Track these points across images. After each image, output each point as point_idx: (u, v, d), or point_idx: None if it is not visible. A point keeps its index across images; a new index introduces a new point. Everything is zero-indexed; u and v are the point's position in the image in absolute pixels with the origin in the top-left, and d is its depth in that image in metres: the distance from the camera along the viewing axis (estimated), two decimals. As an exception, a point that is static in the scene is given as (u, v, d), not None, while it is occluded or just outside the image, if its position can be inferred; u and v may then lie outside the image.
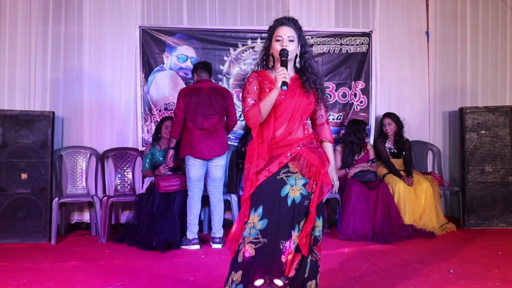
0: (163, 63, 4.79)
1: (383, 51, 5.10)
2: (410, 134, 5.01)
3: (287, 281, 2.16)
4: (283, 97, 2.19)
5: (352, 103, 5.02)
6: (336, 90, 4.98)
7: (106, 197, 4.40)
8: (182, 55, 4.82)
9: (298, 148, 2.20)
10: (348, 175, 4.48)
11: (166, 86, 4.80)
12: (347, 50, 4.99)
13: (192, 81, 4.82)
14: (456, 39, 5.24)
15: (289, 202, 2.16)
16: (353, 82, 5.01)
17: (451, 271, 3.22)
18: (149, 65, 4.77)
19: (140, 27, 4.75)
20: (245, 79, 2.35)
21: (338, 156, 4.68)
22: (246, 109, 2.22)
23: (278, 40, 2.23)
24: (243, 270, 2.14)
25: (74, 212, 4.74)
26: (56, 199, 4.27)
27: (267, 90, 2.22)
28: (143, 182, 4.55)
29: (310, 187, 2.20)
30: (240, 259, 2.15)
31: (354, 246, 3.95)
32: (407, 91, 5.21)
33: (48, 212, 4.24)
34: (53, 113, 4.38)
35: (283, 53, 2.18)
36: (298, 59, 2.30)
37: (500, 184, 4.75)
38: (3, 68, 4.63)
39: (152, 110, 4.77)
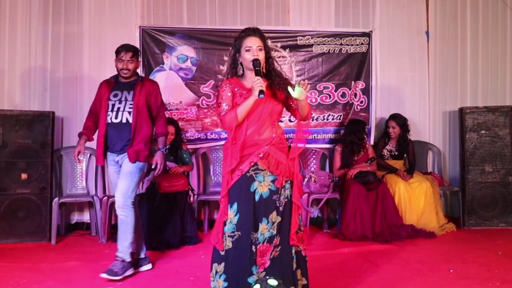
0: (163, 64, 4.79)
1: (383, 51, 5.10)
2: (410, 134, 5.01)
3: (264, 272, 2.31)
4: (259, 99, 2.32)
5: (352, 103, 5.02)
6: (336, 90, 4.98)
7: (106, 197, 4.40)
8: (182, 55, 4.82)
9: (266, 147, 2.38)
10: (348, 176, 4.48)
11: (166, 87, 4.79)
12: (347, 50, 4.99)
13: (193, 81, 4.84)
14: (456, 39, 5.24)
15: (257, 197, 2.35)
16: (353, 82, 5.00)
17: (451, 271, 3.22)
18: (149, 65, 4.77)
19: (140, 27, 4.75)
20: (218, 86, 2.53)
21: (338, 156, 4.68)
22: (222, 113, 2.39)
23: (247, 50, 2.41)
24: (225, 262, 2.35)
25: (74, 212, 4.75)
26: (56, 199, 4.27)
27: (238, 96, 2.41)
28: (142, 182, 4.55)
29: (279, 183, 2.37)
30: (222, 252, 2.36)
31: (354, 246, 3.95)
32: (407, 91, 5.21)
33: (48, 212, 4.24)
34: (53, 113, 4.38)
35: (256, 62, 2.36)
36: (264, 65, 2.46)
37: (500, 184, 4.75)
38: (3, 68, 4.62)
39: (152, 110, 4.76)
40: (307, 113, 2.45)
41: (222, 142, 4.84)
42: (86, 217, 4.71)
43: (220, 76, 4.84)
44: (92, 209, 4.44)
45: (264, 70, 2.45)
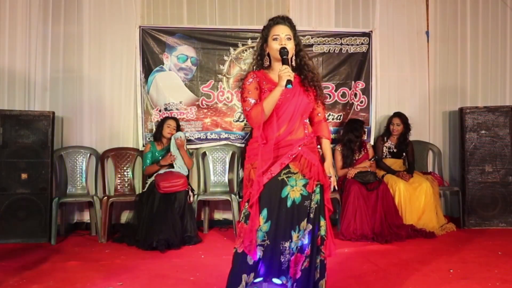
0: (163, 64, 4.79)
1: (383, 51, 5.10)
2: (410, 133, 5.01)
3: (295, 283, 2.16)
4: (285, 90, 2.15)
5: (352, 103, 5.01)
6: (336, 90, 4.98)
7: (106, 197, 4.40)
8: (182, 55, 4.82)
9: (299, 148, 2.21)
10: (348, 176, 4.48)
11: (166, 87, 4.80)
12: (347, 50, 4.99)
13: (193, 81, 4.84)
14: (456, 39, 5.24)
15: (289, 203, 2.17)
16: (353, 82, 5.00)
17: (451, 271, 3.22)
18: (149, 65, 4.77)
19: (140, 27, 4.75)
20: (243, 79, 2.31)
21: (339, 155, 4.68)
22: (248, 108, 2.19)
23: (275, 39, 2.22)
24: (254, 272, 2.15)
25: (74, 212, 4.74)
26: (56, 199, 4.27)
27: (267, 91, 2.20)
28: (144, 181, 4.55)
29: (310, 188, 2.20)
30: (250, 262, 2.14)
31: (354, 246, 3.95)
32: (407, 91, 5.21)
33: (48, 212, 4.24)
34: (53, 113, 4.38)
35: (284, 51, 2.16)
36: (294, 58, 2.29)
37: (500, 184, 4.75)
38: (3, 68, 4.62)
39: (152, 110, 4.77)
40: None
41: (223, 142, 4.85)
42: (86, 217, 4.71)
43: (220, 76, 4.84)
44: (92, 209, 4.44)
45: (293, 64, 2.28)
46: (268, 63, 2.30)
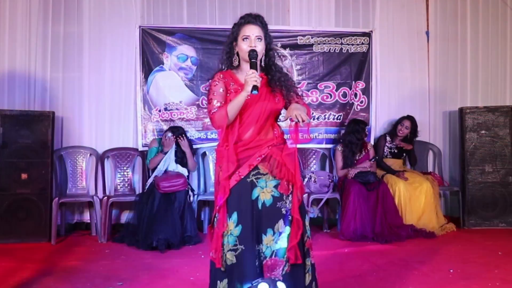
0: (163, 63, 4.78)
1: (383, 51, 5.10)
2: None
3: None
4: (249, 97, 2.07)
5: (353, 103, 5.01)
6: (336, 90, 4.98)
7: (106, 197, 4.40)
8: (182, 55, 4.81)
9: (268, 148, 2.14)
10: (348, 176, 4.48)
11: (166, 86, 4.80)
12: (347, 49, 4.99)
13: (193, 80, 4.84)
14: (456, 39, 5.24)
15: (260, 205, 2.09)
16: (353, 82, 5.00)
17: (451, 271, 3.22)
18: (149, 65, 4.77)
19: (140, 27, 4.75)
20: (210, 79, 2.24)
21: (339, 156, 4.68)
22: (213, 111, 2.12)
23: (245, 39, 2.16)
24: (227, 278, 2.08)
25: (74, 212, 4.74)
26: (56, 199, 4.26)
27: (233, 92, 2.15)
28: (144, 181, 4.55)
29: (282, 188, 2.11)
30: (223, 268, 2.08)
31: (354, 246, 3.95)
32: (407, 91, 5.21)
33: (48, 212, 4.23)
34: (53, 113, 4.38)
35: (253, 54, 2.10)
36: (263, 57, 2.21)
37: (500, 184, 4.75)
38: (3, 68, 4.62)
39: (152, 110, 4.77)
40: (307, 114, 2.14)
41: (222, 142, 4.84)
42: (86, 217, 4.71)
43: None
44: (92, 209, 4.44)
45: (262, 64, 2.21)
46: (237, 62, 2.23)
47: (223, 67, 2.28)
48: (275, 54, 2.27)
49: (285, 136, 2.28)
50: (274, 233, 2.07)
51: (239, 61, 2.23)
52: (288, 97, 2.22)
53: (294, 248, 2.06)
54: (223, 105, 2.12)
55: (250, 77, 2.01)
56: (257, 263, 2.06)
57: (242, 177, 2.10)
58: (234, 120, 2.11)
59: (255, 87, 2.00)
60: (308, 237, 2.19)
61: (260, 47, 2.15)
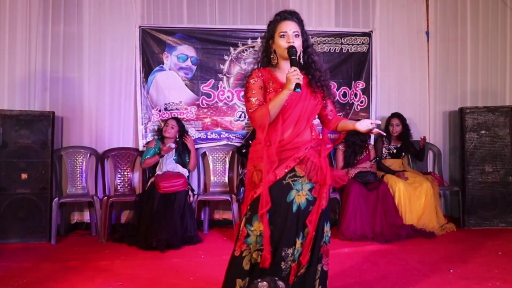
0: (163, 63, 4.79)
1: (383, 51, 5.10)
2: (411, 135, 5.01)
3: None
4: (289, 98, 2.04)
5: (353, 103, 5.01)
6: (337, 90, 4.97)
7: (106, 197, 4.40)
8: (182, 55, 4.81)
9: (306, 150, 2.10)
10: (348, 176, 4.48)
11: (166, 86, 4.80)
12: (347, 49, 4.99)
13: (193, 80, 4.84)
14: (456, 39, 5.23)
15: (295, 208, 2.06)
16: (353, 82, 5.00)
17: (451, 271, 3.22)
18: (149, 65, 4.77)
19: (140, 27, 4.75)
20: (247, 77, 2.17)
21: (340, 155, 4.67)
22: (251, 110, 2.07)
23: (282, 36, 2.09)
24: (249, 277, 2.07)
25: (74, 212, 4.74)
26: (56, 199, 4.27)
27: (273, 91, 2.10)
28: (144, 181, 4.55)
29: (316, 192, 2.09)
30: (246, 267, 2.06)
31: (354, 246, 3.95)
32: (407, 91, 5.21)
33: (48, 212, 4.24)
34: (53, 113, 4.38)
35: (292, 50, 2.04)
36: (301, 55, 2.16)
37: (500, 184, 4.75)
38: (3, 68, 4.62)
39: (152, 110, 4.77)
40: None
41: (223, 142, 4.85)
42: (86, 217, 4.71)
43: (220, 75, 4.84)
44: (92, 209, 4.44)
45: (301, 61, 2.14)
46: (276, 61, 2.17)
47: (260, 66, 2.21)
48: (314, 50, 2.22)
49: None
50: (303, 236, 2.07)
51: (277, 59, 2.17)
52: (327, 97, 2.20)
53: (306, 250, 2.07)
54: (263, 104, 2.07)
55: (292, 74, 1.95)
56: (284, 266, 2.04)
57: (278, 178, 2.07)
58: (276, 119, 2.06)
59: (298, 85, 1.94)
60: (325, 243, 2.15)
61: (298, 43, 2.10)
